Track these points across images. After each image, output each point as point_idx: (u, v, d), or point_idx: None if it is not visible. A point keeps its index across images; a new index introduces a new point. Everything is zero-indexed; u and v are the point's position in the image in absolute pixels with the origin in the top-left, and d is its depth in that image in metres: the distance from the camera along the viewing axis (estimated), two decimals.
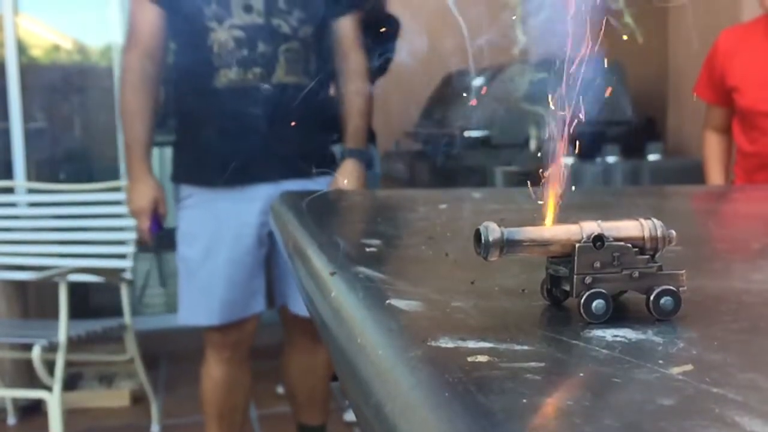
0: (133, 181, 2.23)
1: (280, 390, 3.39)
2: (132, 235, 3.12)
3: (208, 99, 2.14)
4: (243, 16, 2.11)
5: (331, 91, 2.37)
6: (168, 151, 5.35)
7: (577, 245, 0.56)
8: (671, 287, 0.55)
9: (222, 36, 2.11)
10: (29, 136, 4.01)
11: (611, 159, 3.22)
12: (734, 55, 2.55)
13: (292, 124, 2.01)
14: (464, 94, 3.31)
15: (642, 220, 0.58)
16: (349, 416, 3.17)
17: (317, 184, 2.25)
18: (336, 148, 2.38)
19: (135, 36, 2.21)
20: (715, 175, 2.71)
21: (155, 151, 5.75)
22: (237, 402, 2.38)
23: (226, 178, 2.16)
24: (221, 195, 2.20)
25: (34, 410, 3.25)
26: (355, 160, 2.25)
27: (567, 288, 0.57)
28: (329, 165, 2.32)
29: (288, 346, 2.51)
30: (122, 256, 3.13)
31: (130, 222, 3.15)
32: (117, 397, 3.40)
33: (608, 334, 0.52)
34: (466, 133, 3.23)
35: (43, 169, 4.20)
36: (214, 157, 2.18)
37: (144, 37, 2.19)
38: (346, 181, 2.22)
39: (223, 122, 2.13)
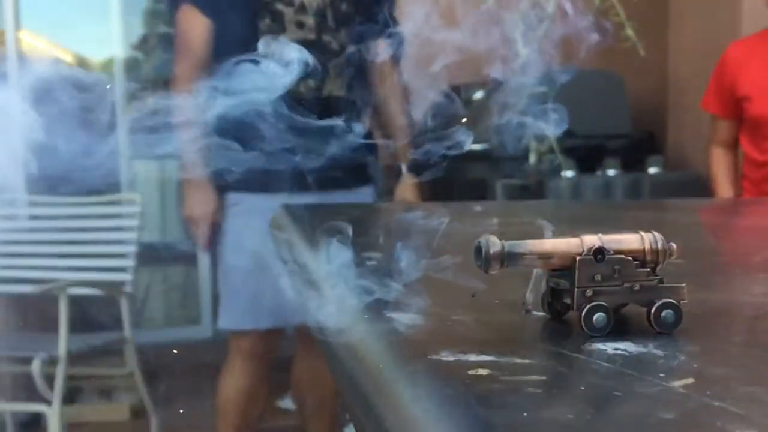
0: (191, 189, 2.28)
1: (282, 404, 3.38)
2: (132, 248, 3.11)
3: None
4: (296, 31, 2.20)
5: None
6: (170, 164, 5.35)
7: (577, 258, 0.55)
8: (672, 300, 0.55)
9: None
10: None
11: (612, 172, 3.22)
12: (744, 65, 2.57)
13: (340, 136, 2.09)
14: (465, 108, 3.31)
15: (643, 233, 0.58)
16: (350, 431, 3.16)
17: (359, 195, 2.35)
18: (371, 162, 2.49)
19: (186, 47, 2.26)
20: (725, 191, 2.70)
21: (155, 163, 5.78)
22: (254, 413, 2.40)
23: (276, 184, 2.20)
24: (269, 203, 2.23)
25: (33, 424, 3.24)
26: (413, 174, 2.39)
27: (568, 301, 0.57)
28: (370, 177, 2.42)
29: (301, 352, 2.54)
30: (122, 270, 3.13)
31: (131, 235, 3.16)
32: (116, 411, 3.39)
33: (609, 347, 0.51)
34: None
35: (44, 182, 4.20)
36: (266, 164, 2.20)
37: (195, 48, 2.25)
38: (409, 196, 2.36)
39: (275, 131, 2.17)
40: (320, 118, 2.32)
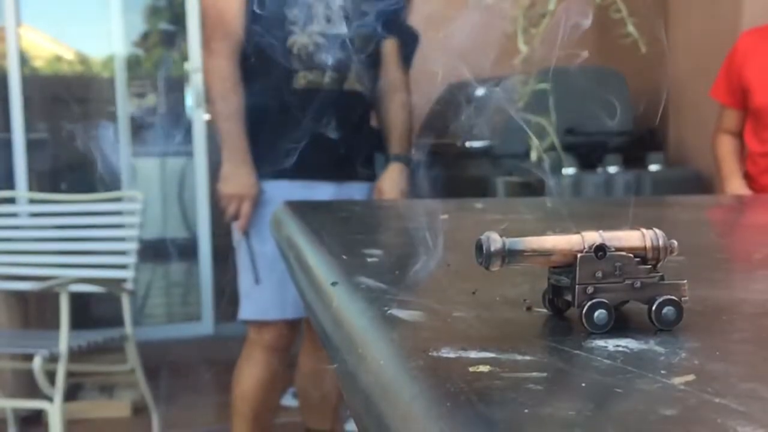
0: (235, 166, 2.26)
1: (282, 401, 3.39)
2: (133, 245, 3.11)
3: (285, 97, 2.20)
4: (323, 24, 2.24)
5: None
6: (172, 161, 5.34)
7: (578, 255, 0.55)
8: (673, 297, 0.55)
9: (303, 40, 2.22)
10: (31, 146, 4.02)
11: (613, 169, 3.22)
12: (751, 55, 2.57)
13: (356, 129, 2.12)
14: (466, 105, 3.31)
15: (644, 230, 0.58)
16: (351, 427, 3.16)
17: (371, 189, 2.38)
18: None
19: (223, 23, 2.28)
20: (730, 169, 2.69)
21: (157, 161, 5.78)
22: (272, 405, 2.41)
23: (300, 171, 2.22)
24: (292, 190, 2.24)
25: (34, 421, 3.25)
26: (399, 164, 2.39)
27: (569, 298, 0.57)
28: (374, 171, 2.47)
29: (307, 346, 2.55)
30: (123, 267, 3.13)
31: (132, 232, 3.16)
32: (118, 408, 3.40)
33: (610, 344, 0.51)
34: (468, 144, 3.23)
35: (45, 180, 4.21)
36: (290, 150, 2.23)
37: (232, 25, 2.27)
38: (388, 186, 2.35)
39: (299, 121, 2.19)
40: (339, 110, 2.39)
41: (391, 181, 2.35)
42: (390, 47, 2.43)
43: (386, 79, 2.43)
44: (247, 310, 2.35)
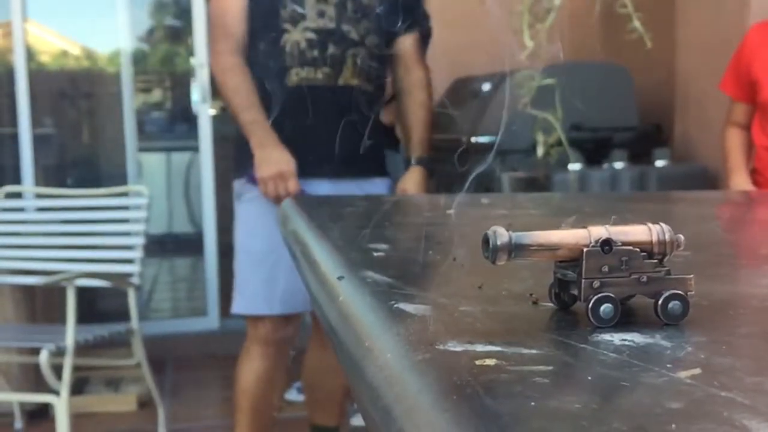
0: (268, 150, 2.24)
1: (287, 396, 3.40)
2: (139, 240, 3.12)
3: (279, 95, 2.20)
4: (316, 20, 2.24)
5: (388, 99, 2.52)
6: (176, 156, 5.35)
7: (585, 249, 0.56)
8: (679, 292, 0.55)
9: (295, 37, 2.23)
10: (37, 141, 4.03)
11: (618, 165, 3.22)
12: (760, 48, 2.56)
13: (354, 124, 2.12)
14: (472, 100, 3.31)
15: (650, 225, 0.58)
16: (357, 420, 3.17)
17: (374, 186, 2.37)
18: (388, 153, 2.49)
19: (224, 25, 2.30)
20: (735, 163, 2.68)
21: (163, 156, 5.77)
22: (272, 400, 2.41)
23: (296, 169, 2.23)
24: None
25: (41, 414, 3.26)
26: (420, 167, 2.37)
27: (575, 292, 0.57)
28: (384, 168, 2.45)
29: (313, 342, 2.55)
30: (130, 261, 3.14)
31: (138, 227, 3.17)
32: (124, 402, 3.41)
33: (616, 338, 0.52)
34: (473, 139, 3.23)
35: (51, 175, 4.22)
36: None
37: (234, 26, 2.29)
38: (411, 188, 2.33)
39: (292, 118, 2.19)
40: (334, 106, 2.38)
41: (414, 183, 2.34)
42: (410, 42, 2.40)
43: (406, 77, 2.41)
44: (238, 304, 2.37)
